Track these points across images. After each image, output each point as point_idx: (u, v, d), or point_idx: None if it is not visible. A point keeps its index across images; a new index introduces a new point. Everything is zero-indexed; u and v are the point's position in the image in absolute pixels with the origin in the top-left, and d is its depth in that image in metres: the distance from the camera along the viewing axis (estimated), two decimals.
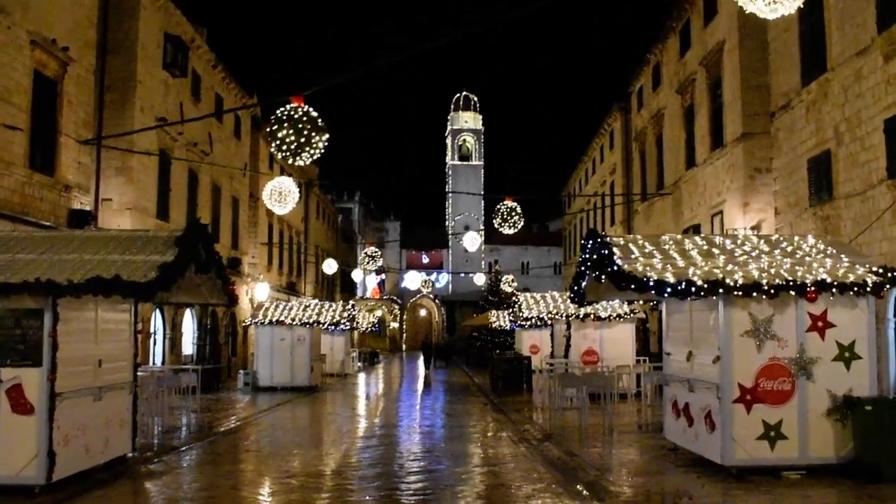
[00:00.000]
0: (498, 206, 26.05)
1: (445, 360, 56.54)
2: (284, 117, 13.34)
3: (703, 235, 13.86)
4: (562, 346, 27.34)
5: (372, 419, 21.53)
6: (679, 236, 13.18)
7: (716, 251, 12.25)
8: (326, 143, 13.53)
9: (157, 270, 10.37)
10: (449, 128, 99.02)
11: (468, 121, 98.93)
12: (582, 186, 55.23)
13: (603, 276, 12.46)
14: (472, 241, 36.09)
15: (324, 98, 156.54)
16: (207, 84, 32.10)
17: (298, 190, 23.77)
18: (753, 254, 12.18)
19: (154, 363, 27.06)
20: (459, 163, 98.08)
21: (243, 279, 37.31)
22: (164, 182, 27.54)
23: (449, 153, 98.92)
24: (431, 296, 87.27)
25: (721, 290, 10.79)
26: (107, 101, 24.44)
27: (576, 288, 14.09)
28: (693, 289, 10.71)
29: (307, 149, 13.30)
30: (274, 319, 30.47)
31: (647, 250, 12.17)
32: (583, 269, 13.43)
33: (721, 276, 10.97)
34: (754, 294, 10.86)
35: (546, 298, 27.05)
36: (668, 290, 10.81)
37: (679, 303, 12.87)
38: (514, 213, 25.96)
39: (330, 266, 44.61)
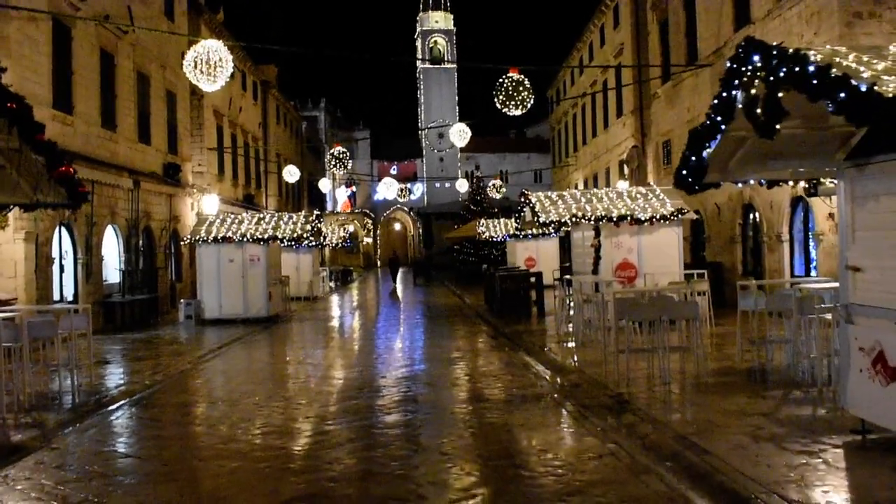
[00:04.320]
0: (500, 81, 20.04)
1: (426, 277, 50.68)
2: None
3: None
4: (583, 257, 21.56)
5: (348, 368, 15.62)
6: None
7: None
8: None
9: None
10: (418, 29, 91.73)
11: (438, 21, 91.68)
12: (575, 79, 48.78)
13: (767, 130, 6.48)
14: (460, 135, 29.97)
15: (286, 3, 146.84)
16: None
17: (233, 61, 17.67)
18: None
19: (63, 298, 20.98)
20: (431, 66, 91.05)
21: (186, 190, 31.00)
22: (62, 62, 20.98)
23: (419, 56, 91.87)
24: (406, 208, 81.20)
25: None
26: None
27: (693, 159, 8.09)
28: None
29: None
30: (220, 236, 24.39)
31: (876, 65, 6.12)
32: (718, 118, 7.41)
33: None
34: None
35: (565, 198, 21.05)
36: None
37: (888, 179, 6.96)
38: (521, 88, 19.95)
39: (291, 173, 38.32)
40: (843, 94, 5.50)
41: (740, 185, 9.61)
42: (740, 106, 6.95)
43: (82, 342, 13.27)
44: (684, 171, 8.30)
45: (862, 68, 5.97)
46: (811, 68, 5.82)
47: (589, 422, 9.66)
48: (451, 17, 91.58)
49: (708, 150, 7.86)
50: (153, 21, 27.47)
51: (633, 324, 13.19)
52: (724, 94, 7.15)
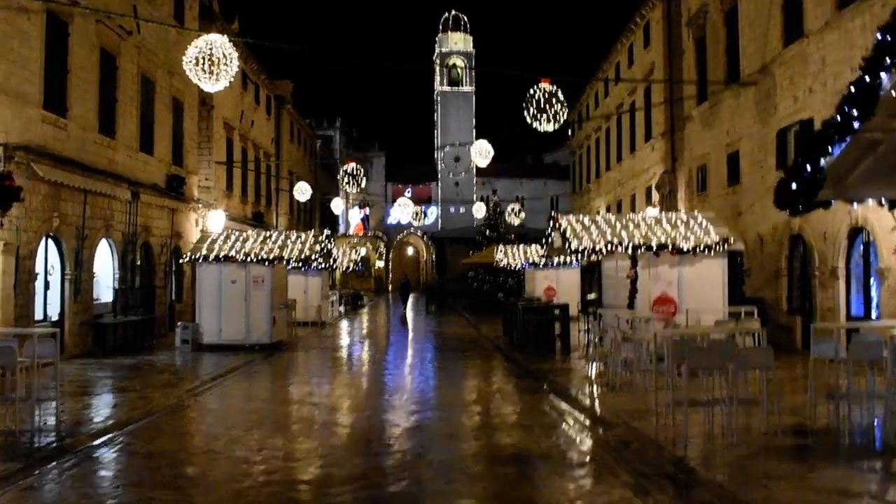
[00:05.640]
0: (532, 92, 18.25)
1: (439, 304, 48.62)
2: None
3: None
4: (615, 289, 19.71)
5: (356, 412, 13.75)
6: None
7: None
8: None
9: None
10: (437, 50, 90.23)
11: (458, 43, 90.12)
12: (599, 102, 47.03)
13: None
14: (482, 153, 28.19)
15: (303, 19, 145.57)
16: None
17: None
18: None
19: (48, 317, 19.22)
20: (449, 89, 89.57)
21: (190, 205, 29.27)
22: (57, 60, 19.33)
23: (437, 79, 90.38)
24: (420, 232, 79.30)
25: None
26: None
27: (808, 168, 6.24)
28: None
29: None
30: (222, 255, 22.62)
31: None
32: (854, 111, 5.56)
33: None
34: None
35: (598, 223, 19.19)
36: None
37: None
38: (553, 100, 18.19)
39: (302, 191, 36.62)
40: None
41: (855, 205, 7.74)
42: (893, 94, 5.12)
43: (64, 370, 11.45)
44: (794, 185, 6.44)
45: None
46: None
47: (653, 499, 7.73)
48: (471, 39, 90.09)
49: (829, 157, 6.00)
50: (161, 25, 25.81)
51: (678, 368, 11.29)
52: (867, 79, 5.32)
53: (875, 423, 10.31)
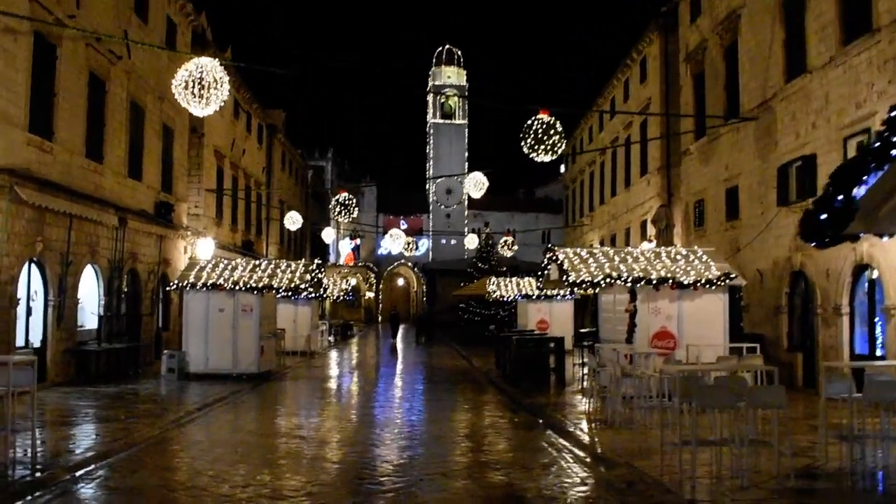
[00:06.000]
0: (529, 123, 17.88)
1: (428, 336, 47.99)
2: None
3: None
4: (613, 323, 19.28)
5: (345, 446, 13.22)
6: None
7: None
8: None
9: None
10: (430, 83, 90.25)
11: (451, 76, 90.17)
12: (593, 136, 46.87)
13: None
14: (477, 185, 27.80)
15: (299, 52, 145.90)
16: None
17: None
18: None
19: (29, 344, 18.66)
20: (441, 121, 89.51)
21: (179, 232, 28.78)
22: (44, 82, 18.93)
23: (430, 111, 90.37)
24: (410, 263, 78.80)
25: None
26: None
27: (840, 199, 5.86)
28: None
29: None
30: (210, 283, 22.12)
31: None
32: (893, 141, 5.16)
33: None
34: None
35: (596, 255, 18.81)
36: None
37: None
38: (552, 132, 17.83)
39: (293, 220, 36.02)
40: None
41: (886, 238, 7.34)
42: None
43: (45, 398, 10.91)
44: (824, 217, 6.04)
45: None
46: None
47: None
48: (465, 72, 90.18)
49: (864, 186, 5.61)
50: (152, 51, 25.44)
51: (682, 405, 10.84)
52: None
53: (891, 466, 9.87)
